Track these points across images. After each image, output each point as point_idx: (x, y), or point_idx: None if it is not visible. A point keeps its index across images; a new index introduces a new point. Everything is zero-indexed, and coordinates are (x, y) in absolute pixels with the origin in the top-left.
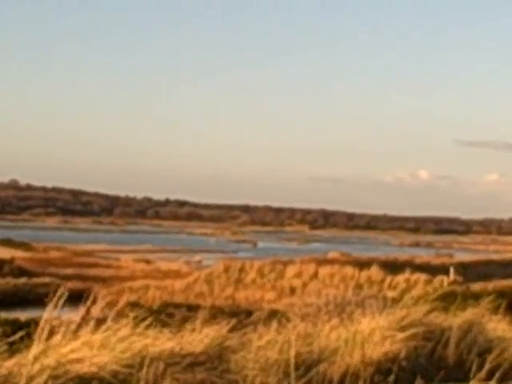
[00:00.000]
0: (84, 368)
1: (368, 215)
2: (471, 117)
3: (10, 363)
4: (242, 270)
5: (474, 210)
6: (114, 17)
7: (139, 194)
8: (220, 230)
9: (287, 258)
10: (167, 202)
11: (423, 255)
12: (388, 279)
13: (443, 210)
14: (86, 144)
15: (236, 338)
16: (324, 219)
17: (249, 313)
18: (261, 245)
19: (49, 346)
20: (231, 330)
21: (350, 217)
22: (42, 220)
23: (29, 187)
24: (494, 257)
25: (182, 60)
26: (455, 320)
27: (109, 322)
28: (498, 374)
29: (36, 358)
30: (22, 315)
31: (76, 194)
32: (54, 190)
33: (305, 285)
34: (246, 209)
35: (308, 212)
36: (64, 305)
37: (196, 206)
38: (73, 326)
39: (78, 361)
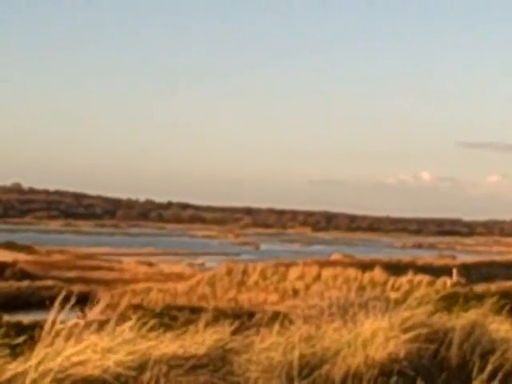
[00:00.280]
0: (87, 371)
1: (370, 217)
2: (473, 118)
3: (13, 366)
4: (244, 272)
5: (477, 212)
6: (114, 19)
7: (142, 197)
8: (223, 233)
9: (290, 260)
10: (170, 205)
11: (426, 257)
12: (391, 281)
13: (445, 212)
14: (88, 147)
15: (239, 341)
16: (326, 221)
17: (251, 315)
18: (263, 247)
19: (52, 349)
20: (234, 333)
21: (353, 219)
22: (44, 223)
23: (31, 190)
24: (497, 258)
25: (184, 63)
26: (458, 321)
27: (112, 325)
28: (500, 375)
29: (39, 361)
30: (25, 318)
31: (78, 196)
32: (56, 193)
33: (307, 287)
34: (248, 211)
35: (310, 214)
36: (68, 308)
37: (198, 208)
38: (76, 329)
39: (82, 364)
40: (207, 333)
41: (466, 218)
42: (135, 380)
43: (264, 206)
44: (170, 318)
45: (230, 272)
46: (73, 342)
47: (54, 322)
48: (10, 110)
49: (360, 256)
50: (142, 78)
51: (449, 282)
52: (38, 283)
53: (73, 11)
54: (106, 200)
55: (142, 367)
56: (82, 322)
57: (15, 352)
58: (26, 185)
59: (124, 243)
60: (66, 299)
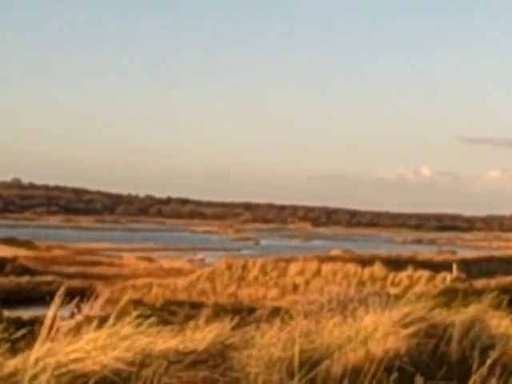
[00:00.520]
0: (87, 366)
1: (370, 212)
2: (473, 114)
3: (12, 362)
4: (244, 267)
5: (476, 207)
6: (114, 17)
7: (141, 192)
8: (222, 228)
9: (290, 255)
10: (169, 200)
11: (426, 252)
12: (391, 276)
13: (445, 207)
14: (87, 143)
15: (239, 336)
16: (326, 216)
17: (252, 310)
18: (263, 242)
19: (52, 344)
20: (234, 328)
21: (353, 214)
22: (44, 218)
23: (31, 186)
24: (497, 253)
25: (183, 59)
26: (458, 316)
27: (112, 321)
28: (499, 370)
29: (39, 357)
30: (25, 314)
31: (78, 192)
32: (56, 188)
33: (307, 282)
34: (248, 206)
35: (310, 209)
36: (67, 303)
37: (198, 203)
38: (76, 325)
39: (81, 359)
40: (207, 328)
41: (466, 213)
42: (135, 376)
43: (264, 201)
44: (170, 313)
45: (229, 267)
46: (73, 338)
47: (53, 318)
48: (10, 107)
49: (360, 251)
50: (141, 74)
51: (449, 277)
52: (38, 278)
53: (72, 9)
54: (106, 195)
55: (141, 363)
56: (81, 318)
57: (15, 347)
58: (25, 180)
59: (124, 239)
60: (66, 295)
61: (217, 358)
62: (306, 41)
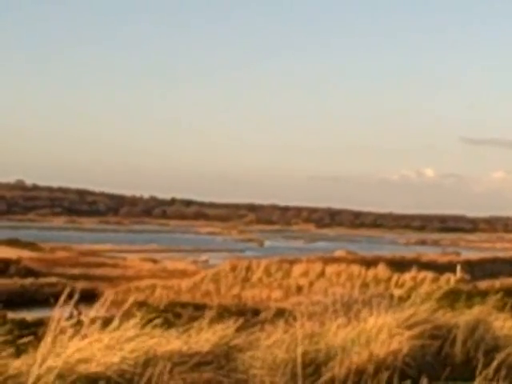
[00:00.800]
0: (91, 368)
1: (374, 213)
2: (477, 114)
3: (17, 363)
4: (248, 269)
5: (480, 208)
6: (114, 17)
7: (145, 194)
8: (226, 229)
9: (294, 256)
10: (173, 202)
11: (430, 253)
12: (394, 277)
13: (449, 208)
14: (91, 144)
15: (243, 337)
16: (330, 218)
17: (256, 312)
18: (267, 244)
19: (56, 345)
20: (238, 329)
21: (356, 215)
22: (48, 220)
23: (35, 187)
24: (501, 254)
25: (189, 59)
26: (462, 318)
27: (116, 322)
28: (504, 372)
29: (43, 358)
30: (29, 315)
31: (82, 193)
32: (59, 189)
33: (311, 283)
34: (252, 208)
35: (314, 211)
36: (76, 305)
37: (202, 205)
38: (80, 326)
39: (86, 361)
40: (211, 330)
41: (470, 214)
42: (140, 377)
43: (268, 202)
44: (174, 314)
45: (233, 269)
46: (77, 339)
47: (58, 319)
48: (12, 108)
49: (364, 253)
50: (142, 75)
51: (453, 278)
52: (42, 280)
53: (72, 10)
54: (110, 197)
55: (146, 364)
56: (86, 319)
57: (19, 349)
58: (29, 182)
59: (128, 240)
60: (70, 296)
61: (221, 359)
62: (305, 40)
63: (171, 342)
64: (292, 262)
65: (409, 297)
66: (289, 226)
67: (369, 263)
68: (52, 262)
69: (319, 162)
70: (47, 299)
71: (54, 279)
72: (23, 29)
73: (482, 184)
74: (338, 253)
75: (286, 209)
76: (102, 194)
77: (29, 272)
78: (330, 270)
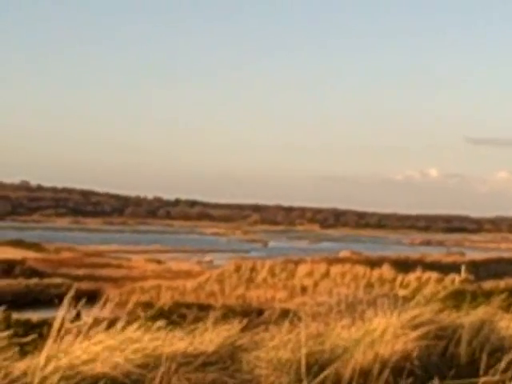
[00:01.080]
0: (96, 368)
1: (378, 214)
2: (481, 114)
3: (22, 364)
4: (253, 269)
5: (485, 208)
6: (113, 17)
7: (150, 194)
8: (231, 230)
9: (298, 257)
10: (178, 202)
11: (434, 254)
12: (399, 278)
13: (453, 208)
14: (95, 144)
15: (248, 338)
16: (335, 218)
17: (260, 312)
18: (272, 244)
19: (61, 346)
20: (243, 330)
21: (361, 215)
22: (52, 221)
23: (39, 188)
24: (506, 255)
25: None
26: (467, 318)
27: (121, 323)
28: (510, 373)
29: (48, 359)
30: (34, 316)
31: (86, 194)
32: (64, 190)
33: (316, 284)
34: (256, 208)
35: (318, 211)
36: (76, 305)
37: (206, 205)
38: (85, 327)
39: (91, 361)
40: (216, 330)
41: (474, 214)
42: (144, 377)
43: (272, 202)
44: (179, 315)
45: (238, 269)
46: (81, 340)
47: (62, 320)
48: (16, 109)
49: (368, 253)
50: (140, 75)
51: (457, 278)
52: (47, 281)
53: (72, 9)
54: (114, 197)
55: (151, 365)
56: (90, 320)
57: (24, 350)
58: (33, 182)
59: (132, 241)
60: (75, 297)
61: (226, 359)
62: (312, 39)
63: (176, 342)
64: (296, 263)
65: (413, 297)
66: (293, 226)
67: (373, 264)
68: (57, 263)
69: (323, 163)
70: (52, 300)
71: (58, 280)
72: (23, 29)
73: (487, 184)
74: (343, 253)
75: (290, 209)
76: (107, 195)
77: (33, 272)
78: (335, 270)
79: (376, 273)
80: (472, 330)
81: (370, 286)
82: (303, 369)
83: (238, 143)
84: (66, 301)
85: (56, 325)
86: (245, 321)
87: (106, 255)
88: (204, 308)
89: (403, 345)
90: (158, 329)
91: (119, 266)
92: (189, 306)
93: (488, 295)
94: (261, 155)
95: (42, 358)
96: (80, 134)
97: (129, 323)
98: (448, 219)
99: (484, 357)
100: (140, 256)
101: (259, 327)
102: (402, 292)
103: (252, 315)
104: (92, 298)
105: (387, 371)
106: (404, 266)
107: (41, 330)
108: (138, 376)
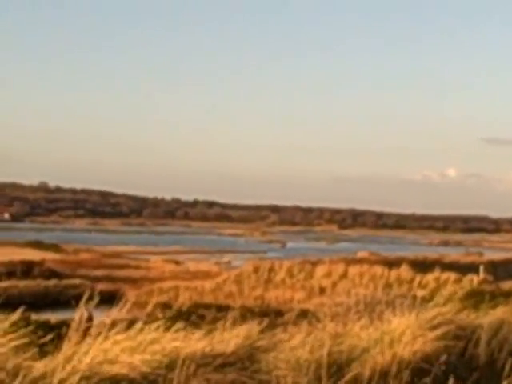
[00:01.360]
0: (115, 369)
1: (396, 214)
2: (498, 114)
3: (41, 365)
4: (271, 270)
5: (503, 208)
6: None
7: (168, 195)
8: (249, 231)
9: (316, 257)
10: (196, 203)
11: (452, 254)
12: (417, 278)
13: (472, 209)
14: (114, 146)
15: (266, 339)
16: (353, 219)
17: (279, 313)
18: (290, 245)
19: (80, 347)
20: (262, 331)
21: (379, 216)
22: (71, 222)
23: (58, 189)
24: None
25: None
26: (486, 319)
27: (140, 324)
28: None
29: (67, 360)
30: (53, 317)
31: (105, 195)
32: (83, 191)
33: (334, 284)
34: (274, 209)
35: (337, 212)
36: (95, 306)
37: (225, 206)
38: (104, 328)
39: (110, 362)
40: (235, 331)
41: (493, 214)
42: (163, 378)
43: (290, 203)
44: (198, 316)
45: (256, 270)
46: (100, 341)
47: (80, 321)
48: (37, 112)
49: (386, 253)
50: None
51: (476, 279)
52: (66, 282)
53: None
54: (133, 198)
55: (170, 366)
56: (108, 321)
57: (43, 351)
58: (52, 184)
59: (151, 242)
60: (96, 298)
61: (245, 360)
62: (321, 42)
63: (194, 343)
64: (315, 263)
65: (432, 297)
66: (311, 227)
67: (391, 264)
68: (75, 264)
69: (342, 164)
70: (71, 301)
71: (77, 281)
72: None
73: (505, 183)
74: (361, 254)
75: (308, 210)
76: (125, 196)
77: (52, 274)
78: (353, 270)
79: (394, 273)
80: (491, 330)
81: (388, 286)
82: (324, 369)
83: (257, 145)
84: (81, 302)
85: (74, 325)
86: (263, 321)
87: (125, 256)
88: (222, 309)
89: (422, 345)
90: (177, 330)
91: (137, 267)
92: (207, 306)
93: (507, 295)
94: (279, 156)
95: (60, 358)
96: (99, 135)
97: (147, 324)
98: (466, 219)
99: (503, 357)
100: (158, 257)
101: (278, 328)
102: (420, 292)
103: (270, 316)
104: (110, 298)
105: (406, 372)
106: (422, 266)
107: (59, 330)
108: (156, 377)
